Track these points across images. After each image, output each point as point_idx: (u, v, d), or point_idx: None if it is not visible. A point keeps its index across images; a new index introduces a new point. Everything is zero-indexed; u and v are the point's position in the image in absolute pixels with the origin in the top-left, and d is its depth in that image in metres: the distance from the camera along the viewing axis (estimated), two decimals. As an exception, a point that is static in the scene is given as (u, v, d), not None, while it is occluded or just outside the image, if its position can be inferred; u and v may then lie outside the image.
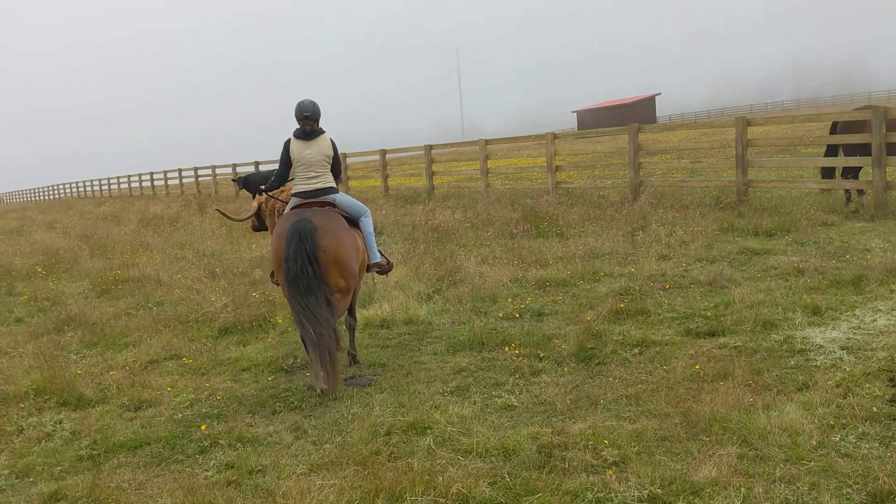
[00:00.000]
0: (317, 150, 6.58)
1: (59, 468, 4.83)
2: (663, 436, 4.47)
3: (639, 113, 72.72)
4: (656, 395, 5.12)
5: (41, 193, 71.59)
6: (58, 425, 5.58)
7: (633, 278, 8.43)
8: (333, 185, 6.70)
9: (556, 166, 17.05)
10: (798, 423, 4.39)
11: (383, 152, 22.40)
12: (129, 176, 46.35)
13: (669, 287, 8.00)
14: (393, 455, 4.49)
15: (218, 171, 34.15)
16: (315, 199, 6.51)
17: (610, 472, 4.03)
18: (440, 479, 3.97)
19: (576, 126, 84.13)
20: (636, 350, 6.12)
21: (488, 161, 18.96)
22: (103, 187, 53.30)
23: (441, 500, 3.78)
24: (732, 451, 4.11)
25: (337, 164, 6.78)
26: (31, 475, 4.78)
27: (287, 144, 6.68)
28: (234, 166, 31.18)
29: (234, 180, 27.37)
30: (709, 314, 6.89)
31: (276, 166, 7.05)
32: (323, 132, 6.72)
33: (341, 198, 6.70)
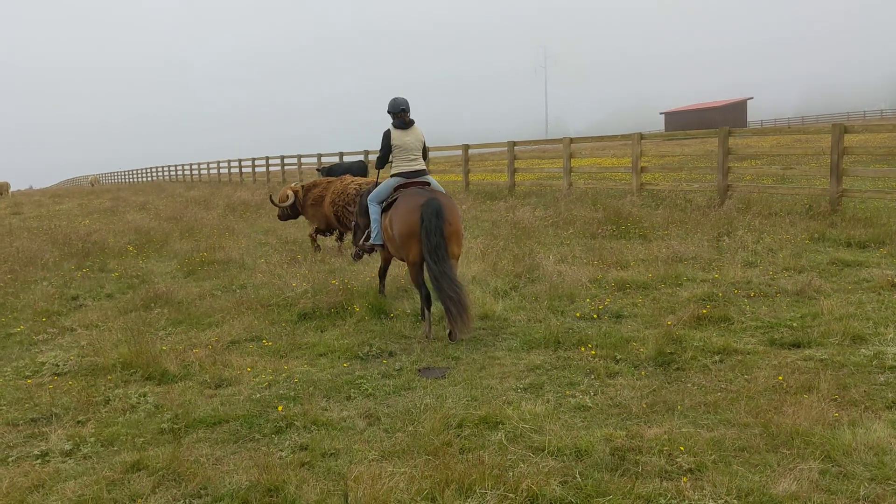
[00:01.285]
0: (414, 137, 7.87)
1: (142, 439, 4.99)
2: (742, 446, 4.35)
3: (729, 117, 71.01)
4: (736, 404, 4.99)
5: (135, 175, 74.10)
6: (142, 398, 5.77)
7: (716, 284, 8.24)
8: (425, 167, 7.99)
9: (642, 167, 16.78)
10: (885, 442, 4.23)
11: (466, 147, 22.42)
12: (217, 162, 47.60)
13: (754, 295, 7.78)
14: (464, 448, 4.49)
15: (303, 160, 34.76)
16: (416, 178, 7.79)
17: (685, 479, 3.95)
18: (511, 474, 3.96)
19: (663, 128, 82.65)
20: (717, 357, 5.98)
21: (572, 160, 18.78)
22: (193, 172, 54.89)
23: (511, 495, 3.76)
24: (814, 467, 3.98)
25: (426, 150, 8.07)
26: (116, 444, 4.95)
27: (388, 133, 7.83)
28: (320, 156, 31.66)
29: (318, 170, 27.87)
30: (795, 325, 6.67)
31: (359, 157, 8.25)
32: (414, 122, 7.94)
33: (433, 180, 7.97)
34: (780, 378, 5.35)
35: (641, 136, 16.79)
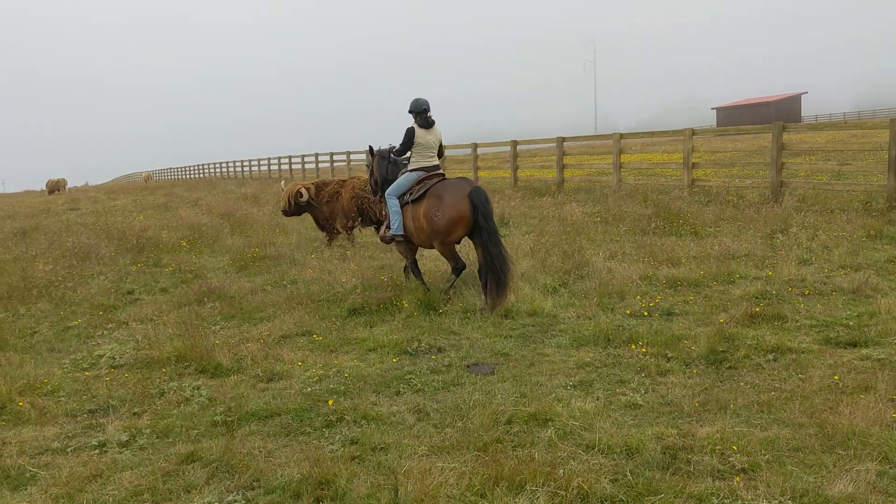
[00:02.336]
0: (434, 136, 8.65)
1: (196, 431, 5.08)
2: (796, 446, 4.28)
3: (782, 112, 69.72)
4: (790, 403, 4.91)
5: (187, 172, 75.29)
6: (196, 391, 5.87)
7: (770, 282, 8.10)
8: (439, 164, 8.79)
9: (693, 163, 16.55)
10: (947, 445, 4.12)
11: (514, 143, 22.35)
12: (269, 159, 48.10)
13: (809, 293, 7.64)
14: (514, 444, 4.49)
15: (353, 156, 34.99)
16: (434, 172, 8.58)
17: (738, 478, 3.90)
18: (561, 471, 3.94)
19: (715, 123, 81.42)
20: (770, 356, 5.88)
21: (622, 156, 18.60)
22: (244, 168, 55.60)
23: (561, 492, 3.75)
24: (872, 468, 3.90)
25: (442, 148, 8.89)
26: (170, 436, 5.05)
27: (412, 131, 8.54)
28: (371, 149, 31.77)
29: (367, 165, 28.01)
30: (851, 323, 6.54)
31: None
32: (434, 122, 8.66)
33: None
34: (836, 378, 5.25)
35: (693, 132, 16.57)
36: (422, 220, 8.25)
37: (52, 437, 5.15)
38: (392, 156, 9.15)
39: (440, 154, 8.84)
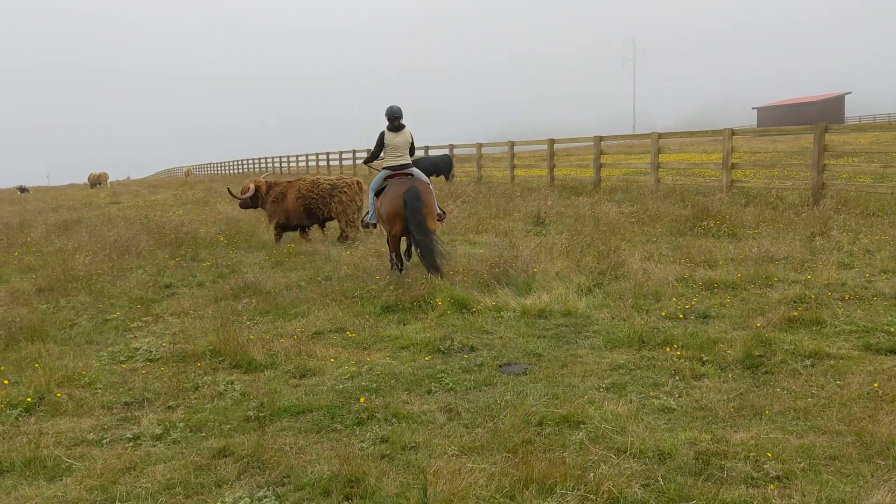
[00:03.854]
0: (402, 139, 9.91)
1: (228, 426, 5.12)
2: (833, 454, 4.20)
3: (825, 112, 68.57)
4: (827, 410, 4.82)
5: (227, 168, 76.06)
6: (229, 385, 5.92)
7: (809, 286, 7.96)
8: (410, 161, 10.03)
9: (732, 164, 16.33)
10: None
11: (551, 142, 22.24)
12: (306, 155, 48.46)
13: (849, 298, 7.50)
14: (545, 446, 4.46)
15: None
16: (400, 171, 9.83)
17: (772, 486, 3.83)
18: (592, 475, 3.91)
19: (756, 123, 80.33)
20: (808, 362, 5.78)
21: (660, 155, 18.42)
22: (283, 164, 56.03)
23: (591, 496, 3.72)
24: (912, 479, 3.81)
25: (412, 148, 10.16)
26: (203, 430, 5.09)
27: (383, 134, 9.94)
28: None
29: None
30: (893, 330, 6.39)
31: (444, 151, 10.98)
32: (405, 126, 9.98)
33: (415, 170, 9.96)
34: (876, 385, 5.14)
35: (733, 132, 16.35)
36: (379, 211, 9.84)
37: (88, 428, 5.22)
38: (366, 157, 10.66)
39: (411, 153, 10.19)
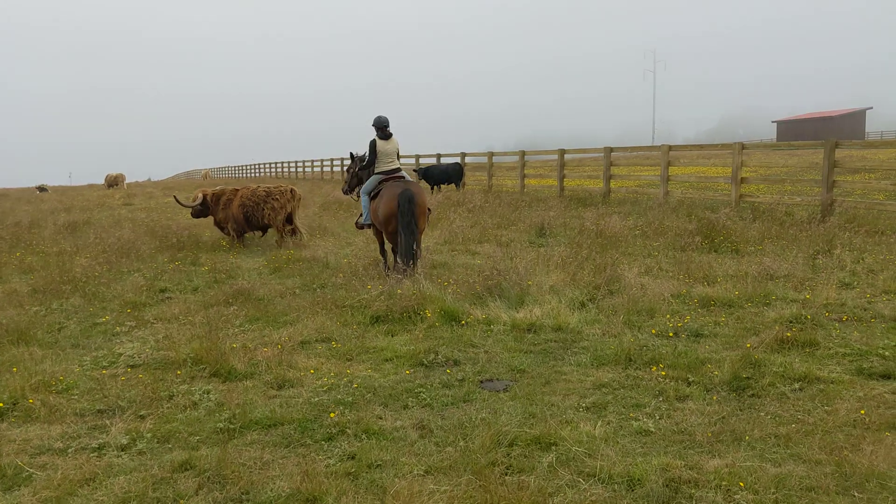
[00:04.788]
0: (392, 146, 10.87)
1: (197, 437, 5.02)
2: (809, 485, 4.04)
3: (845, 127, 67.95)
4: (810, 437, 4.67)
5: (244, 171, 76.33)
6: (205, 395, 5.83)
7: (806, 305, 7.78)
8: (399, 166, 11.03)
9: (742, 178, 16.13)
10: (972, 493, 3.84)
11: (562, 152, 22.09)
12: (321, 160, 48.50)
13: (847, 319, 7.32)
14: (512, 468, 4.33)
15: (402, 160, 35.03)
16: (392, 175, 10.76)
17: (741, 518, 3.69)
18: (550, 502, 3.77)
19: (775, 136, 79.73)
20: (797, 385, 5.62)
21: (671, 168, 18.24)
22: (298, 169, 56.13)
23: (547, 525, 3.59)
24: (886, 515, 3.65)
25: (398, 154, 11.09)
26: (171, 441, 4.99)
27: (374, 143, 10.82)
28: (418, 157, 31.87)
29: (415, 171, 28.02)
30: (887, 354, 6.21)
31: (455, 159, 12.85)
32: (392, 134, 10.91)
33: (405, 174, 10.93)
34: (863, 412, 4.98)
35: (743, 146, 16.16)
36: (375, 212, 10.53)
37: (56, 436, 5.14)
38: (360, 164, 11.39)
39: (398, 157, 11.10)
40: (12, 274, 11.93)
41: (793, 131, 75.95)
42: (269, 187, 14.51)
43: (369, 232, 12.65)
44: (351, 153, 11.96)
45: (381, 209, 10.29)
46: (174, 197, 16.92)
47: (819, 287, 8.48)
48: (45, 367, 6.58)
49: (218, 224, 15.01)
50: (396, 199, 10.04)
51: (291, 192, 14.50)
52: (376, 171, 10.85)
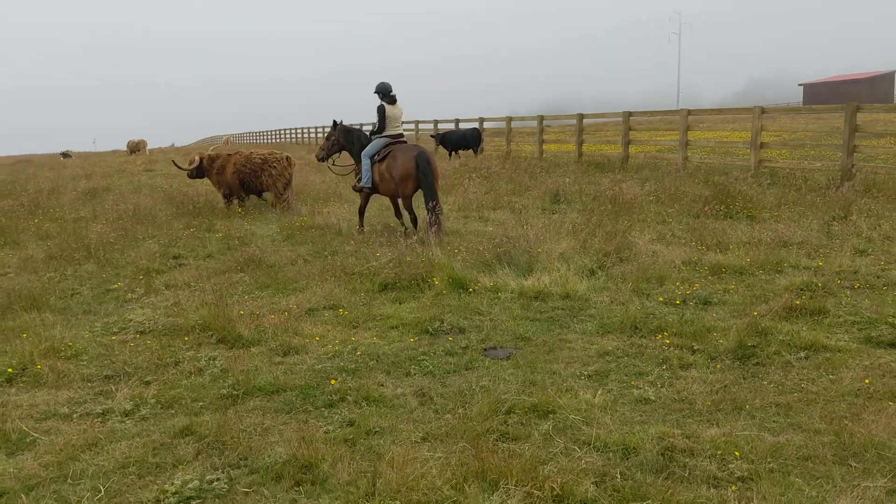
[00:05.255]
0: (398, 111, 11.18)
1: (200, 403, 5.07)
2: (806, 454, 4.02)
3: (875, 90, 66.66)
4: (811, 407, 4.63)
5: (266, 137, 76.25)
6: (211, 361, 5.88)
7: (818, 273, 7.70)
8: (402, 132, 11.49)
9: (762, 143, 15.90)
10: (971, 464, 3.80)
11: (580, 117, 21.87)
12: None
13: (859, 287, 7.23)
14: (507, 435, 4.34)
15: (421, 125, 34.89)
16: (398, 139, 11.19)
17: (733, 487, 3.68)
18: (543, 469, 3.78)
19: (801, 100, 78.44)
20: (802, 354, 5.57)
21: (690, 133, 18.01)
22: (319, 135, 56.01)
23: (536, 492, 3.59)
24: (881, 485, 3.63)
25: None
26: (174, 407, 5.05)
27: (383, 108, 11.01)
28: (436, 122, 31.70)
29: (432, 136, 27.89)
30: (896, 322, 6.14)
31: (473, 125, 14.31)
32: (397, 99, 11.14)
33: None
34: (867, 381, 4.93)
35: (762, 110, 15.91)
36: (385, 175, 10.83)
37: (63, 401, 5.21)
38: (369, 132, 11.53)
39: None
40: (30, 240, 12.07)
41: (820, 94, 74.62)
42: (264, 154, 14.74)
43: (384, 199, 12.73)
44: (334, 121, 12.04)
45: (396, 170, 10.61)
46: (173, 161, 17.24)
47: (833, 254, 8.38)
48: (56, 333, 6.67)
49: (215, 187, 15.49)
50: (414, 160, 10.43)
51: (287, 159, 14.84)
52: (384, 134, 11.13)
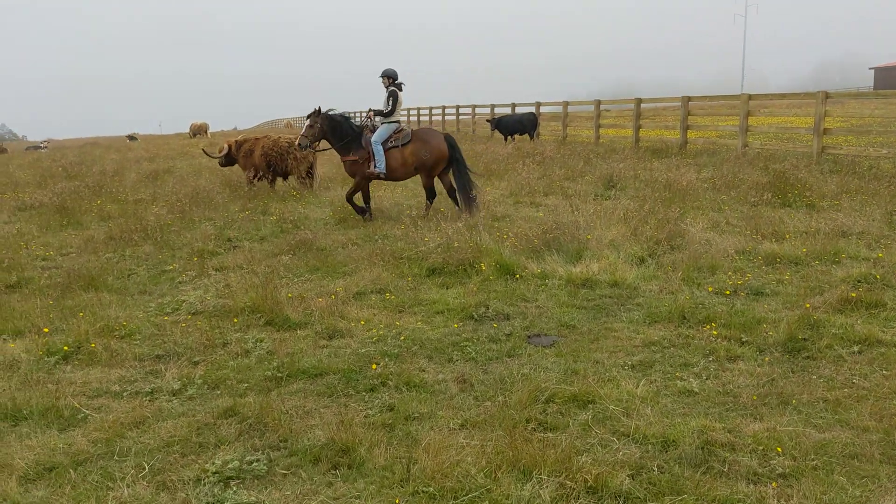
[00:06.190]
0: (403, 97, 11.51)
1: (245, 385, 5.17)
2: (852, 453, 3.92)
3: (950, 73, 64.13)
4: (861, 403, 4.51)
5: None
6: (258, 343, 5.97)
7: (878, 264, 7.46)
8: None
9: (825, 129, 15.45)
10: None
11: (638, 101, 21.55)
12: (418, 108, 48.49)
13: (920, 280, 6.99)
14: (545, 424, 4.32)
15: (478, 110, 34.79)
16: (403, 126, 11.49)
17: (774, 484, 3.60)
18: (577, 460, 3.75)
19: (872, 84, 75.99)
20: (856, 348, 5.41)
21: (750, 118, 17.60)
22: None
23: (569, 483, 3.57)
24: (929, 487, 3.51)
25: None
26: (220, 388, 5.15)
27: (397, 94, 11.31)
28: (493, 107, 31.57)
29: (488, 121, 27.79)
30: (957, 317, 5.92)
31: (530, 109, 15.73)
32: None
33: None
34: (922, 378, 4.77)
35: (826, 95, 15.44)
36: (408, 159, 11.18)
37: (114, 379, 5.36)
38: (375, 114, 11.58)
39: None
40: (92, 221, 12.42)
41: (891, 78, 72.20)
42: (290, 139, 15.02)
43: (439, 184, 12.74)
44: (317, 109, 11.49)
45: (428, 154, 11.11)
46: (203, 150, 17.87)
47: (894, 245, 8.11)
48: (111, 313, 6.86)
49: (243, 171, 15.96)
50: (446, 143, 11.13)
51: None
52: (392, 120, 11.38)
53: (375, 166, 11.23)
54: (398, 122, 11.47)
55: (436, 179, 11.55)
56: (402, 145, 11.23)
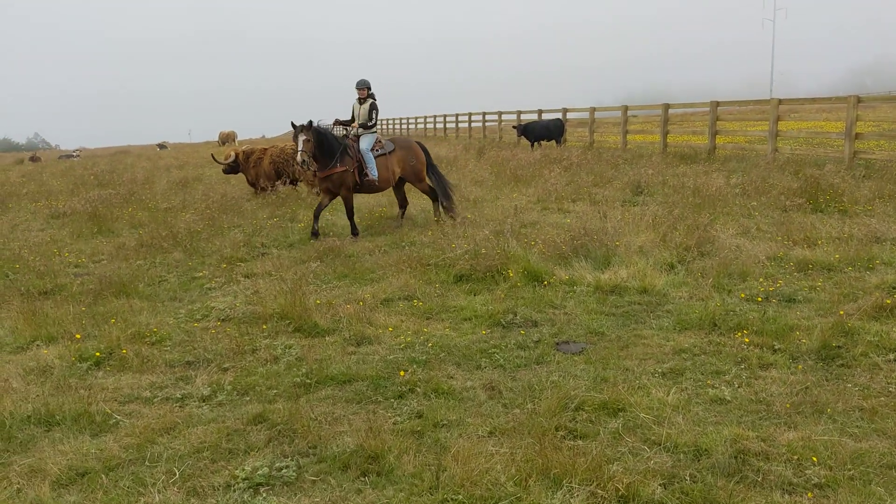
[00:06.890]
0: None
1: (274, 391, 5.18)
2: (890, 462, 3.84)
3: (985, 76, 62.98)
4: (898, 412, 4.42)
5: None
6: (287, 350, 6.00)
7: (913, 271, 7.34)
8: None
9: (857, 133, 15.23)
10: None
11: (665, 107, 21.39)
12: (424, 117, 48.70)
13: (957, 286, 6.86)
14: (575, 433, 4.29)
15: (504, 117, 34.75)
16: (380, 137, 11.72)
17: (809, 494, 3.55)
18: (608, 469, 3.71)
19: (904, 88, 74.91)
20: (892, 356, 5.31)
21: (780, 123, 17.40)
22: (403, 126, 56.49)
23: (600, 492, 3.54)
24: (969, 498, 3.44)
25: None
26: (250, 394, 5.17)
27: (376, 105, 11.47)
28: (519, 113, 31.51)
29: (514, 127, 27.74)
30: None
31: (556, 115, 16.91)
32: None
33: None
34: (960, 387, 4.68)
35: (858, 99, 15.23)
36: (394, 167, 11.48)
37: (145, 385, 5.40)
38: (349, 126, 11.66)
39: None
40: (123, 228, 12.56)
41: (924, 82, 71.06)
42: (295, 146, 15.39)
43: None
44: (310, 121, 10.75)
45: (415, 160, 11.74)
46: (212, 155, 18.14)
47: (930, 251, 7.98)
48: (142, 319, 6.92)
49: (250, 182, 16.52)
50: (422, 149, 11.93)
51: None
52: (374, 130, 11.54)
53: (370, 174, 11.14)
54: (376, 132, 11.68)
55: (407, 185, 12.25)
56: (388, 153, 11.50)
